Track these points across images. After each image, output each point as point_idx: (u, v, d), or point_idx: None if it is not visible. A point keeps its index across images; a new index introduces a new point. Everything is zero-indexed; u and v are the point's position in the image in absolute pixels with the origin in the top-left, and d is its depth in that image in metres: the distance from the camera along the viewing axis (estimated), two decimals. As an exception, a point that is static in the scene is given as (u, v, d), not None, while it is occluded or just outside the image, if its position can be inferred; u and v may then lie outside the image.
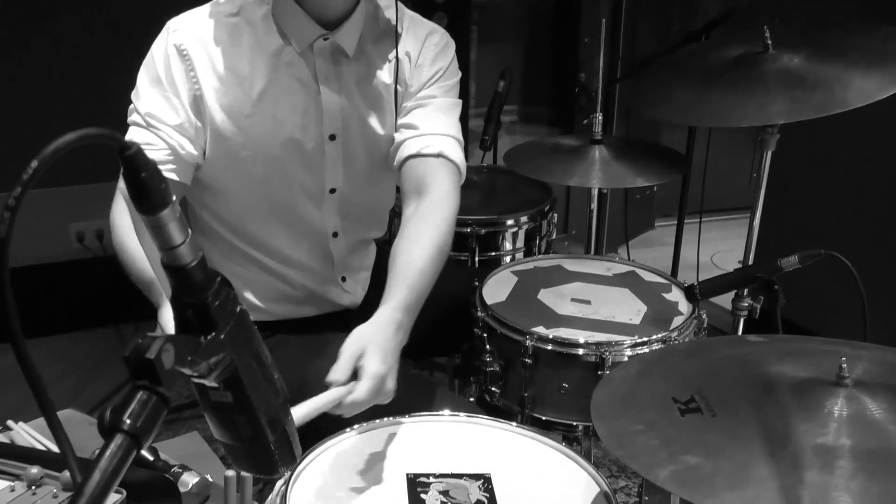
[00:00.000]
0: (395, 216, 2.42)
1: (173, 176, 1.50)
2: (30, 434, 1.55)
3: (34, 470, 1.19)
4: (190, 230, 0.75)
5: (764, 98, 1.73)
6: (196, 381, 0.79)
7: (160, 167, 1.50)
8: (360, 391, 1.23)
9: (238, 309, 0.80)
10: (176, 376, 0.69)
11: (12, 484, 1.18)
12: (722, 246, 3.97)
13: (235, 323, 0.79)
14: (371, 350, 1.27)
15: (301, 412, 1.15)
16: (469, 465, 1.28)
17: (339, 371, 1.24)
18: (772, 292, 1.67)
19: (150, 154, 1.47)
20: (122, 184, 1.50)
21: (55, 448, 1.46)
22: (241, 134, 1.54)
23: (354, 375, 1.26)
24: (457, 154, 1.63)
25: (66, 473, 1.19)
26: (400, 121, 1.65)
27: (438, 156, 1.60)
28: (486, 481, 1.24)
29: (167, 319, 1.38)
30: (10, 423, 1.59)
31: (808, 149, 2.90)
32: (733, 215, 4.18)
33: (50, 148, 0.60)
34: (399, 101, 1.65)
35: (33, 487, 1.18)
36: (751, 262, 2.06)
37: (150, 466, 1.43)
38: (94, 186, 3.12)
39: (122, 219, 1.50)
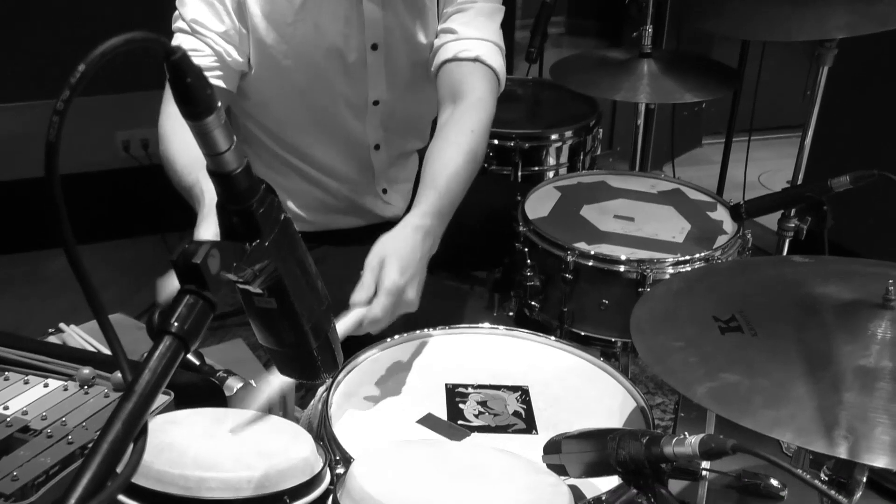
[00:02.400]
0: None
1: (220, 83, 1.49)
2: (81, 336, 1.60)
3: (86, 370, 1.23)
4: (235, 137, 0.75)
5: (823, 10, 1.66)
6: (241, 287, 0.80)
7: (206, 73, 1.49)
8: (376, 308, 1.22)
9: (282, 216, 0.81)
10: (222, 282, 0.70)
11: (65, 384, 1.23)
12: (770, 165, 3.88)
13: (280, 230, 0.80)
14: (390, 262, 1.25)
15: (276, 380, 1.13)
16: (507, 378, 1.29)
17: (362, 291, 1.23)
18: (820, 213, 1.64)
19: (197, 60, 1.46)
20: (168, 90, 1.51)
21: (106, 350, 1.51)
22: (282, 42, 1.52)
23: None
24: (495, 60, 1.60)
25: (117, 374, 1.23)
26: (440, 26, 1.62)
27: (475, 60, 1.57)
28: (523, 393, 1.26)
29: (202, 235, 1.37)
30: (62, 325, 1.64)
31: (867, 65, 2.79)
32: (784, 134, 4.08)
33: (97, 52, 0.60)
34: (441, 7, 1.62)
35: (85, 387, 1.22)
36: (800, 182, 2.02)
37: (196, 370, 1.47)
38: (140, 94, 3.13)
39: (168, 126, 1.50)
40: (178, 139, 1.44)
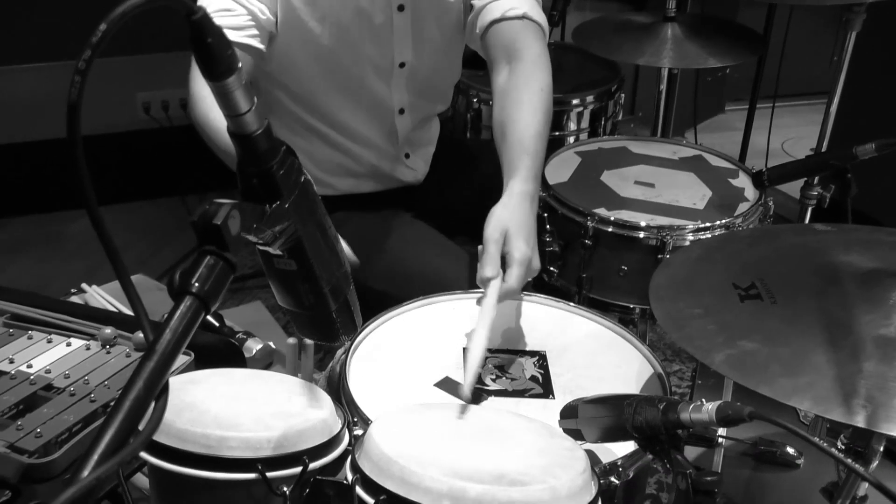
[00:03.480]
0: (459, 91, 2.39)
1: (254, 42, 1.47)
2: (103, 297, 1.62)
3: (108, 330, 1.25)
4: (256, 98, 0.74)
5: (852, -26, 1.63)
6: (261, 248, 0.80)
7: (241, 32, 1.47)
8: (512, 279, 1.26)
9: (302, 178, 0.81)
10: (241, 243, 0.70)
11: (87, 343, 1.24)
12: (794, 133, 3.84)
13: (300, 192, 0.80)
14: (513, 233, 1.29)
15: (482, 333, 1.16)
16: (525, 343, 1.30)
17: (490, 265, 1.26)
18: (844, 181, 1.62)
19: (230, 20, 1.46)
20: None
21: (127, 310, 1.52)
22: (309, 3, 1.51)
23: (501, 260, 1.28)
24: (540, 15, 1.60)
25: (139, 334, 1.24)
26: None
27: (523, 18, 1.56)
28: (541, 358, 1.26)
29: None
30: (84, 285, 1.66)
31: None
32: (809, 100, 4.02)
33: (117, 11, 0.60)
34: None
35: (107, 347, 1.23)
36: (824, 150, 1.99)
37: (216, 331, 1.49)
38: (161, 56, 3.13)
39: (203, 90, 1.48)
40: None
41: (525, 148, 1.42)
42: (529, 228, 1.33)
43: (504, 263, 1.29)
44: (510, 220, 1.31)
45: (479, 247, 1.31)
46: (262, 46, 1.49)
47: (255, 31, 1.47)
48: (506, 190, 1.39)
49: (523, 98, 1.50)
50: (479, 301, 1.30)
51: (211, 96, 1.46)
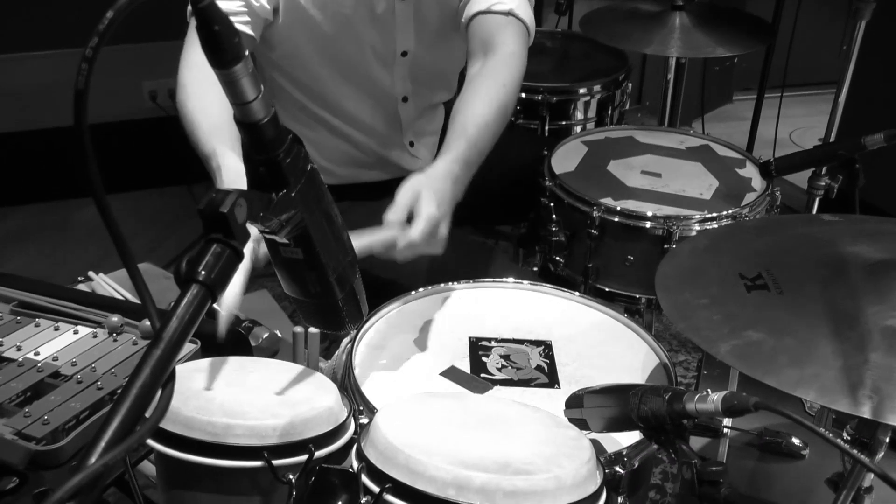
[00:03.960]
0: (463, 81, 2.38)
1: (246, 29, 1.48)
2: (109, 284, 1.62)
3: (115, 318, 1.25)
4: (263, 86, 0.74)
5: (862, -37, 1.62)
6: (267, 236, 0.80)
7: (232, 18, 1.47)
8: (415, 231, 1.20)
9: (309, 167, 0.81)
10: (248, 231, 0.70)
11: (94, 331, 1.25)
12: (802, 123, 3.82)
13: (306, 181, 0.80)
14: (426, 194, 1.24)
15: (356, 245, 1.08)
16: (530, 332, 1.30)
17: (396, 212, 1.21)
18: (852, 171, 1.61)
19: (223, 5, 1.45)
20: (189, 37, 1.49)
21: (134, 298, 1.52)
22: None
23: (409, 221, 1.22)
24: (526, 13, 1.58)
25: (145, 322, 1.25)
26: None
27: (508, 14, 1.55)
28: (546, 348, 1.26)
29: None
30: (91, 273, 1.66)
31: (905, 20, 2.72)
32: (817, 90, 4.00)
33: (124, -1, 0.60)
34: None
35: (114, 335, 1.24)
36: (832, 140, 1.98)
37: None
38: (167, 44, 3.12)
39: (189, 77, 1.46)
40: (197, 96, 1.41)
41: (466, 134, 1.39)
42: (444, 198, 1.26)
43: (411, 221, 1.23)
44: (426, 183, 1.25)
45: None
46: (253, 34, 1.49)
47: (247, 18, 1.47)
48: (431, 166, 1.33)
49: (481, 89, 1.47)
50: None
51: (195, 88, 1.45)
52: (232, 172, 1.27)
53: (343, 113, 1.68)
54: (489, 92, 1.46)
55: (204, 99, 1.39)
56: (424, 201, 1.23)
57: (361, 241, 1.13)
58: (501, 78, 1.49)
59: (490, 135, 1.43)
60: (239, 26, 1.44)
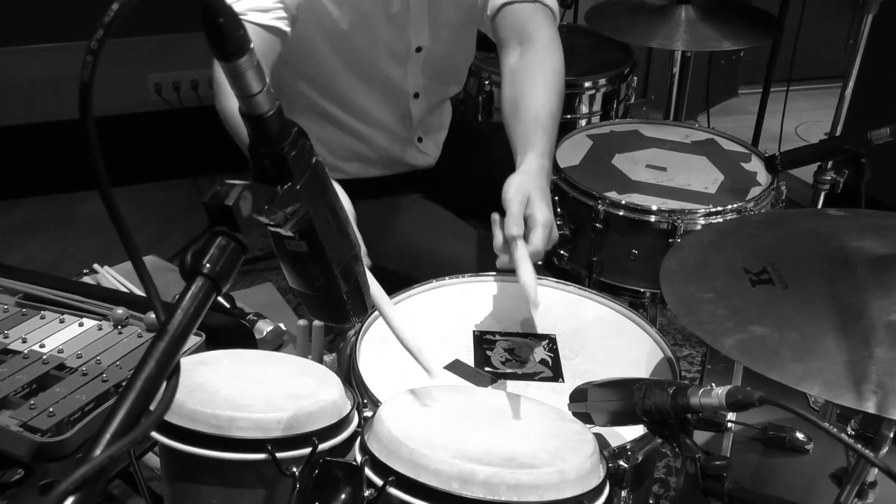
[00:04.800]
0: (471, 74, 2.38)
1: (281, 25, 1.46)
2: (114, 277, 1.63)
3: (120, 311, 1.25)
4: (268, 79, 0.74)
5: (869, -44, 1.61)
6: (272, 229, 0.80)
7: (268, 14, 1.46)
8: (537, 240, 1.26)
9: (314, 160, 0.80)
10: (253, 224, 0.70)
11: (100, 323, 1.25)
12: (808, 117, 3.81)
13: (311, 174, 0.79)
14: (535, 197, 1.29)
15: (530, 279, 1.20)
16: (535, 326, 1.30)
17: (516, 224, 1.26)
18: (858, 166, 1.61)
19: (258, 1, 1.45)
20: None
21: (138, 291, 1.53)
22: None
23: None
24: (552, 0, 1.60)
25: (150, 315, 1.25)
26: None
27: (535, 1, 1.56)
28: (550, 342, 1.26)
29: None
30: (96, 266, 1.67)
31: (912, 14, 2.71)
32: (823, 84, 3.99)
33: (129, -9, 0.60)
34: None
35: (119, 327, 1.24)
36: (838, 134, 1.98)
37: (227, 312, 1.50)
38: (172, 37, 3.13)
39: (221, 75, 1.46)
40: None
41: (541, 124, 1.43)
42: (549, 196, 1.33)
43: (526, 227, 1.28)
44: (532, 185, 1.31)
45: (494, 214, 1.30)
46: (288, 29, 1.48)
47: (283, 14, 1.46)
48: (522, 163, 1.39)
49: (537, 77, 1.50)
50: (507, 262, 1.29)
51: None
52: None
53: (354, 109, 1.68)
54: (546, 81, 1.50)
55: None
56: (537, 206, 1.29)
57: (527, 273, 1.21)
58: (551, 64, 1.53)
59: (557, 121, 1.48)
60: (275, 22, 1.44)
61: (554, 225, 1.32)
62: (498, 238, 1.28)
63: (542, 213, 1.28)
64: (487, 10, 1.59)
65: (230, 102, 1.42)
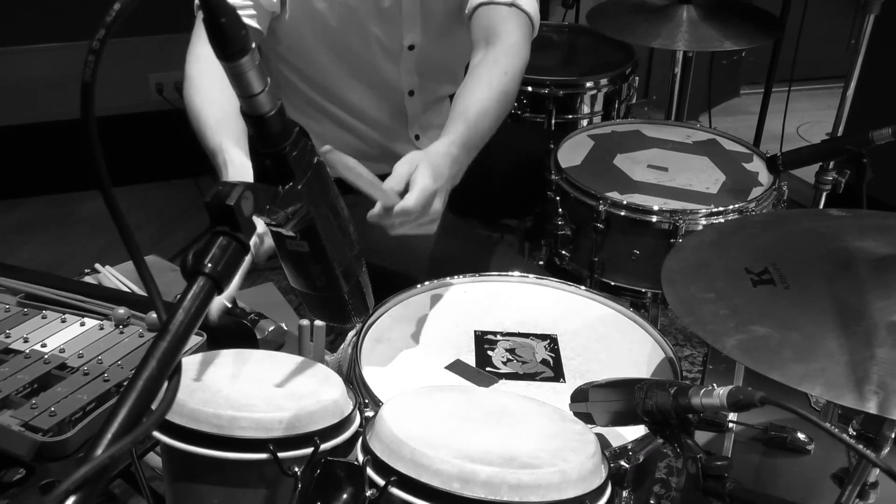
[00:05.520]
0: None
1: (252, 22, 1.47)
2: (116, 277, 1.63)
3: (121, 311, 1.25)
4: (269, 79, 0.74)
5: (871, -44, 1.61)
6: (273, 229, 0.80)
7: (239, 11, 1.47)
8: (409, 199, 1.19)
9: (315, 160, 0.81)
10: (254, 224, 0.70)
11: (101, 323, 1.25)
12: (809, 117, 3.81)
13: (313, 174, 0.80)
14: (423, 166, 1.23)
15: (356, 170, 1.10)
16: (536, 326, 1.30)
17: (392, 180, 1.20)
18: (859, 166, 1.60)
19: None
20: (196, 29, 1.49)
21: (140, 291, 1.53)
22: None
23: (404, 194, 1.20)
24: (530, 5, 1.57)
25: (152, 315, 1.25)
26: None
27: (511, 5, 1.54)
28: (552, 342, 1.26)
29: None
30: (97, 266, 1.67)
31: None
32: (825, 85, 3.99)
33: (131, -9, 0.60)
34: None
35: (121, 327, 1.24)
36: (840, 134, 1.97)
37: (228, 312, 1.49)
38: (174, 37, 3.12)
39: (195, 70, 1.45)
40: (204, 88, 1.41)
41: (465, 117, 1.38)
42: (441, 173, 1.25)
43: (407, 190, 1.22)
44: (423, 158, 1.25)
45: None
46: (259, 27, 1.49)
47: (253, 11, 1.47)
48: (430, 145, 1.33)
49: (483, 76, 1.46)
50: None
51: (201, 81, 1.44)
52: (237, 168, 1.27)
53: (349, 106, 1.68)
54: (490, 79, 1.46)
55: (210, 92, 1.39)
56: (420, 173, 1.21)
57: (363, 184, 1.11)
58: (502, 66, 1.48)
59: (490, 120, 1.43)
60: (245, 19, 1.43)
61: (437, 199, 1.24)
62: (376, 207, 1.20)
63: (424, 179, 1.20)
64: (466, 10, 1.58)
65: (195, 98, 1.41)
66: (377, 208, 1.16)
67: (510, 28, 1.53)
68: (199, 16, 1.42)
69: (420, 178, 1.21)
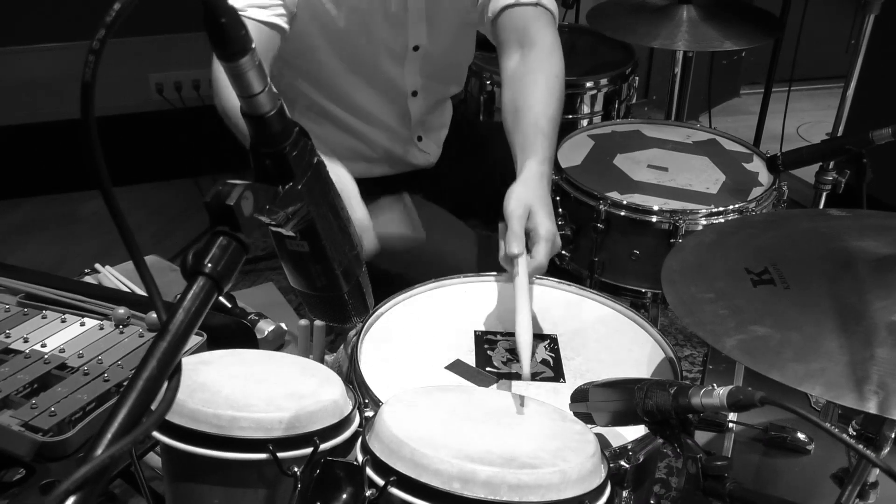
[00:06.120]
0: (472, 74, 2.38)
1: (280, 21, 1.46)
2: (116, 277, 1.63)
3: (121, 311, 1.25)
4: (269, 79, 0.74)
5: (871, -44, 1.61)
6: (273, 229, 0.80)
7: (266, 10, 1.46)
8: (540, 255, 1.27)
9: (315, 160, 0.81)
10: (254, 224, 0.70)
11: (101, 323, 1.25)
12: (809, 117, 3.81)
13: (313, 174, 0.80)
14: (537, 209, 1.30)
15: (526, 314, 1.18)
16: (536, 326, 1.29)
17: (517, 242, 1.27)
18: (859, 166, 1.60)
19: None
20: None
21: (140, 291, 1.53)
22: None
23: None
24: (552, 3, 1.60)
25: (152, 315, 1.25)
26: None
27: (537, 5, 1.56)
28: (552, 342, 1.26)
29: None
30: (97, 266, 1.67)
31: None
32: (825, 84, 3.99)
33: (131, -9, 0.60)
34: None
35: (121, 327, 1.24)
36: (840, 134, 1.97)
37: (228, 312, 1.49)
38: (174, 37, 3.13)
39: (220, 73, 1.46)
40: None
41: (541, 129, 1.43)
42: (550, 206, 1.34)
43: (528, 240, 1.30)
44: (533, 197, 1.31)
45: (501, 224, 1.31)
46: (286, 26, 1.49)
47: (282, 11, 1.46)
48: (523, 170, 1.39)
49: (539, 82, 1.50)
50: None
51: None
52: None
53: (352, 107, 1.68)
54: (548, 85, 1.50)
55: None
56: (539, 218, 1.29)
57: (524, 310, 1.20)
58: (552, 69, 1.53)
59: (557, 127, 1.49)
60: (274, 18, 1.44)
61: (557, 235, 1.32)
62: (502, 251, 1.29)
63: (545, 227, 1.29)
64: (488, 13, 1.59)
65: (230, 99, 1.42)
66: (528, 270, 1.26)
67: (542, 28, 1.56)
68: None
69: (542, 228, 1.29)
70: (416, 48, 1.63)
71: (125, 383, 0.80)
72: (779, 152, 1.74)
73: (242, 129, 1.39)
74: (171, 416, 0.87)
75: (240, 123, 1.40)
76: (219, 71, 1.46)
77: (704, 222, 1.62)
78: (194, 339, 1.18)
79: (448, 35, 1.65)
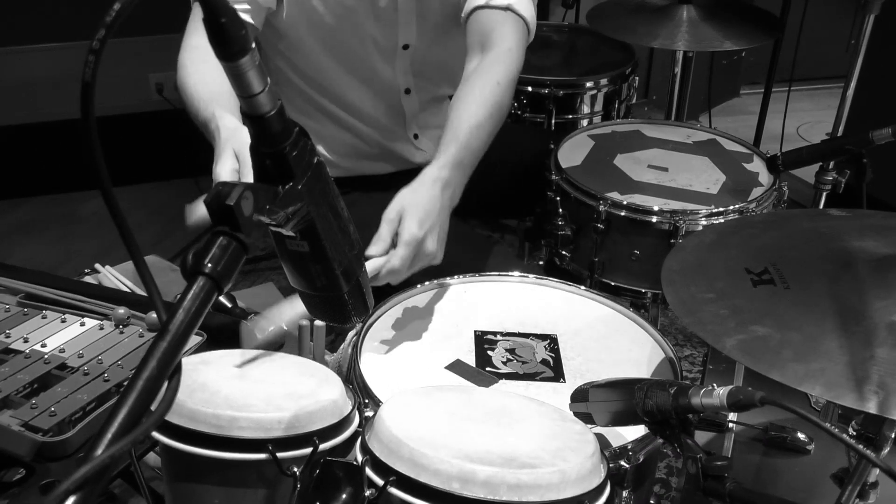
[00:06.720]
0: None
1: (247, 17, 1.47)
2: (116, 277, 1.63)
3: (121, 311, 1.25)
4: (269, 79, 0.74)
5: (871, -44, 1.61)
6: (273, 229, 0.80)
7: (234, 6, 1.47)
8: (395, 259, 1.20)
9: (315, 160, 0.80)
10: (254, 224, 0.70)
11: (101, 323, 1.25)
12: (809, 117, 3.81)
13: (313, 173, 0.80)
14: (409, 213, 1.23)
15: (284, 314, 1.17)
16: (536, 326, 1.30)
17: (378, 244, 1.21)
18: (859, 166, 1.60)
19: None
20: (190, 23, 1.49)
21: (140, 291, 1.53)
22: None
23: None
24: (526, 9, 1.55)
25: (152, 315, 1.25)
26: None
27: (506, 9, 1.52)
28: (552, 342, 1.26)
29: (218, 172, 1.33)
30: (97, 266, 1.67)
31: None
32: (825, 85, 3.99)
33: (131, -9, 0.60)
34: None
35: (121, 327, 1.24)
36: (840, 134, 1.98)
37: (228, 312, 1.49)
38: (174, 37, 3.13)
39: (187, 58, 1.45)
40: (198, 72, 1.41)
41: (457, 136, 1.37)
42: (429, 212, 1.25)
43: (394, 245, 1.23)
44: (409, 202, 1.24)
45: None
46: (254, 22, 1.49)
47: (247, 6, 1.47)
48: (422, 174, 1.33)
49: (476, 89, 1.45)
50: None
51: (194, 66, 1.44)
52: (230, 132, 1.25)
53: (347, 104, 1.68)
54: (483, 91, 1.45)
55: (204, 76, 1.39)
56: (406, 223, 1.22)
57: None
58: (496, 76, 1.47)
59: (484, 135, 1.42)
60: (241, 14, 1.43)
61: (428, 242, 1.24)
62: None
63: (409, 232, 1.21)
64: (462, 13, 1.57)
65: (187, 77, 1.42)
66: (368, 269, 1.13)
67: (505, 33, 1.51)
68: (195, 9, 1.42)
69: (405, 231, 1.21)
70: (405, 46, 1.63)
71: (125, 383, 0.79)
72: (779, 152, 1.74)
73: (192, 106, 1.39)
74: (171, 417, 0.87)
75: (192, 101, 1.39)
76: (185, 54, 1.45)
77: (704, 222, 1.62)
78: (194, 339, 1.18)
79: (438, 34, 1.65)
